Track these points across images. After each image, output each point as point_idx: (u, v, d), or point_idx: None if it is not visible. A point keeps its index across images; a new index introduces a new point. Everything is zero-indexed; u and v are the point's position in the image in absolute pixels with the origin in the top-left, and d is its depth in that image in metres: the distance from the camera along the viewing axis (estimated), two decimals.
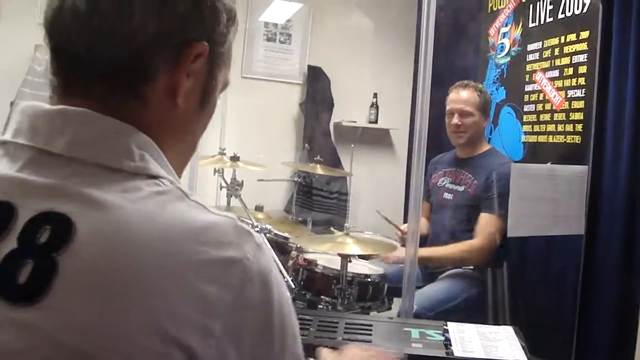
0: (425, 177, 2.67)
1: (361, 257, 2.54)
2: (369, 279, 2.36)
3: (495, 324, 1.73)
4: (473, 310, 2.57)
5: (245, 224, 0.60)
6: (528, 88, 3.01)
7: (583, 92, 2.63)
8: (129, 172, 0.59)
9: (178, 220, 0.56)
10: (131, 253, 0.53)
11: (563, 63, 2.76)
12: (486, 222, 2.59)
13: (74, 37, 0.61)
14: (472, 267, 2.68)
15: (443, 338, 1.53)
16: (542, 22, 2.94)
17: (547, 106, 2.86)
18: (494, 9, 3.38)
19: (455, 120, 2.72)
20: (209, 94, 0.70)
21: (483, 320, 2.45)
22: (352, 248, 2.23)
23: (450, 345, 1.49)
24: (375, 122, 4.47)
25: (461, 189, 2.73)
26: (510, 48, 3.20)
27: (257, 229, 2.32)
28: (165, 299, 0.52)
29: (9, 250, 0.53)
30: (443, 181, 2.83)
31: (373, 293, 2.36)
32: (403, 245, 2.52)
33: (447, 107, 2.81)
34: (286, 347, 0.62)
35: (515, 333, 1.58)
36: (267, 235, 2.38)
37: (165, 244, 0.54)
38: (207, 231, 0.56)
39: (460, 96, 2.76)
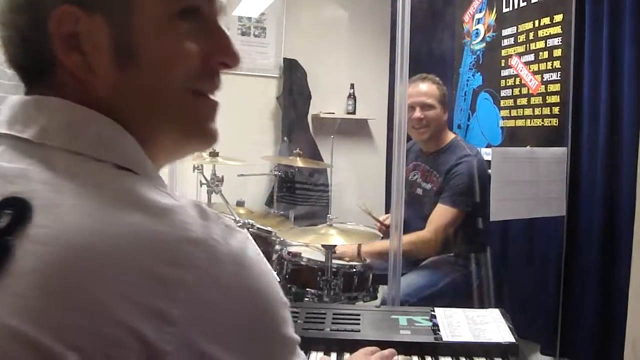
0: None
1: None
2: (354, 269, 2.36)
3: (480, 308, 1.74)
4: (457, 294, 2.58)
5: (211, 209, 0.57)
6: (504, 73, 3.03)
7: (559, 75, 2.65)
8: (94, 159, 0.58)
9: (140, 205, 0.53)
10: (85, 236, 0.51)
11: (538, 47, 2.77)
12: (438, 214, 2.58)
13: None
14: (451, 253, 2.69)
15: (431, 323, 1.54)
16: (515, 6, 2.95)
17: (524, 90, 2.88)
18: None
19: (418, 113, 2.66)
20: (129, 44, 0.60)
21: (468, 304, 2.46)
22: (336, 239, 2.23)
23: (439, 330, 1.50)
24: (353, 112, 4.46)
25: (429, 187, 2.73)
26: (485, 34, 3.21)
27: (239, 224, 2.31)
28: (117, 283, 0.49)
29: None
30: (414, 175, 2.80)
31: (359, 283, 2.37)
32: (384, 237, 2.52)
33: (408, 102, 2.80)
34: (275, 331, 0.58)
35: (502, 315, 1.60)
36: (250, 230, 2.37)
37: (122, 228, 0.51)
38: (168, 213, 0.53)
39: (420, 89, 2.71)
